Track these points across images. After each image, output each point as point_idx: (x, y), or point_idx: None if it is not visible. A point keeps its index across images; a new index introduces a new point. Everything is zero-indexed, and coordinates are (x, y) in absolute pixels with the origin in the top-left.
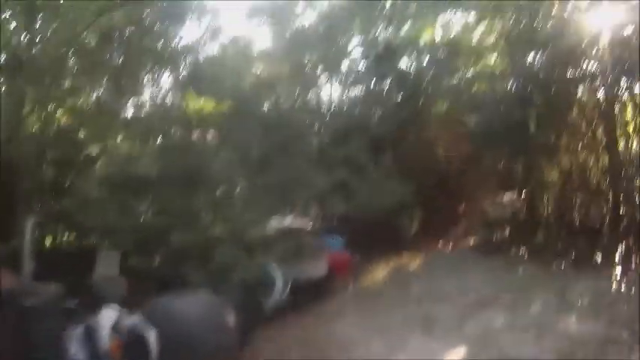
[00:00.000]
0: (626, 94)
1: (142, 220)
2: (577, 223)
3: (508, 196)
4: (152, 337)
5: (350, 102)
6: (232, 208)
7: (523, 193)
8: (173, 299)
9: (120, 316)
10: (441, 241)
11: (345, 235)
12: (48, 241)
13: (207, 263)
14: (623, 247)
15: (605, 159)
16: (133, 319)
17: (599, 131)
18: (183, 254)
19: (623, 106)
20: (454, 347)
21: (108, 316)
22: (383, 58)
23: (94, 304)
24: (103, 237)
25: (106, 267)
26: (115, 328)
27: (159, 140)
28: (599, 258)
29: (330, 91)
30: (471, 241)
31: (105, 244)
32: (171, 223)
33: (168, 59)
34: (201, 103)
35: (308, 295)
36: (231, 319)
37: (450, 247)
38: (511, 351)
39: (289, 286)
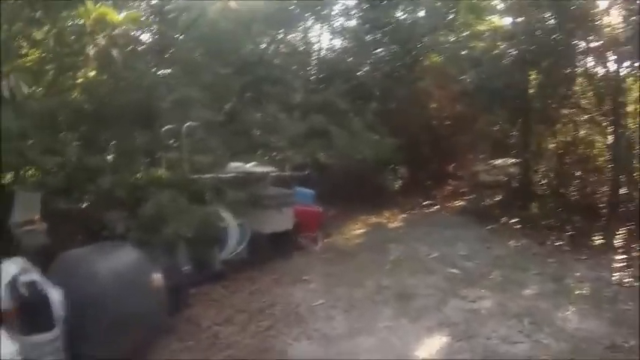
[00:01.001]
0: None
1: (72, 157)
2: (574, 199)
3: (502, 162)
4: (56, 297)
5: (338, 49)
6: (182, 149)
7: (519, 160)
8: (87, 252)
9: (22, 271)
10: (426, 202)
11: (319, 187)
12: None
13: (139, 210)
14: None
15: (609, 135)
16: (34, 276)
17: (605, 106)
18: (114, 199)
19: (633, 82)
20: (432, 332)
21: (6, 271)
22: (378, 6)
23: (8, 252)
24: (24, 175)
25: (26, 210)
26: (12, 285)
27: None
28: (597, 240)
29: (318, 37)
30: (459, 205)
31: (26, 184)
32: (108, 162)
33: None
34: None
35: (268, 252)
36: (158, 277)
37: (436, 210)
38: (500, 346)
39: (247, 240)
